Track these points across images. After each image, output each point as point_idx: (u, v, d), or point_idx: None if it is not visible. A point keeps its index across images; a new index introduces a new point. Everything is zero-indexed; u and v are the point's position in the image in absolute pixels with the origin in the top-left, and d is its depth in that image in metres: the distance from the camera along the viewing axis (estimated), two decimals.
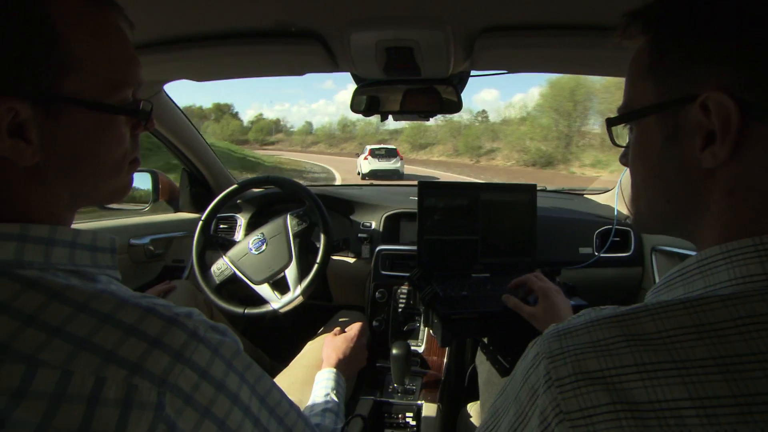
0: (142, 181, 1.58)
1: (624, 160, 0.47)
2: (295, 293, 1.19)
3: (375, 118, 1.26)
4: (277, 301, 1.20)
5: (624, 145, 0.47)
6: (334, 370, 0.93)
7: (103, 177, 0.45)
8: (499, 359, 1.09)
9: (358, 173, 17.50)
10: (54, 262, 0.40)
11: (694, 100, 0.35)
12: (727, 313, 0.31)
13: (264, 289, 1.22)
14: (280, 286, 1.22)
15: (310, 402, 0.82)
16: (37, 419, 0.32)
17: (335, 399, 0.82)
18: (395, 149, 18.51)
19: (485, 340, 0.97)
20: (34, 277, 0.37)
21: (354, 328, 1.10)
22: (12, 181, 0.39)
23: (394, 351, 0.98)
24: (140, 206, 1.55)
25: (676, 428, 0.28)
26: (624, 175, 1.46)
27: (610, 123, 0.46)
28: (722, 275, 0.35)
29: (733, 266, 0.34)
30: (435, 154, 40.23)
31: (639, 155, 0.43)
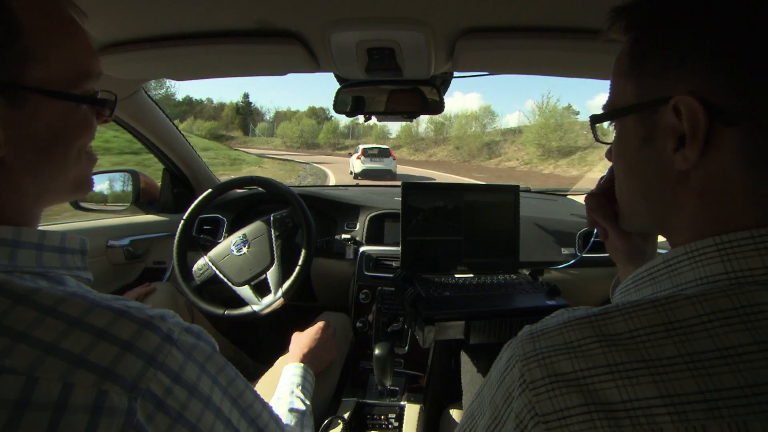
0: (122, 181, 1.55)
1: (609, 156, 0.47)
2: (276, 296, 1.18)
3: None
4: (257, 304, 1.18)
5: (609, 142, 0.47)
6: (301, 364, 0.92)
7: (68, 168, 0.44)
8: (481, 360, 1.09)
9: (351, 173, 17.47)
10: (20, 264, 0.39)
11: (667, 102, 0.36)
12: (693, 310, 0.31)
13: (245, 291, 1.20)
14: (262, 288, 1.21)
15: (275, 397, 0.82)
16: None
17: (300, 396, 0.82)
18: (388, 149, 18.49)
19: (468, 340, 0.97)
20: None
21: (318, 323, 1.10)
22: None
23: (377, 352, 0.98)
24: (120, 206, 1.52)
25: (647, 427, 0.29)
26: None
27: (594, 120, 0.47)
28: (688, 275, 0.35)
29: (697, 266, 0.35)
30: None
31: (619, 153, 0.44)
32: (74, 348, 0.34)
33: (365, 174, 16.37)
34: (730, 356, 0.29)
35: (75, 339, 0.35)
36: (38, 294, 0.36)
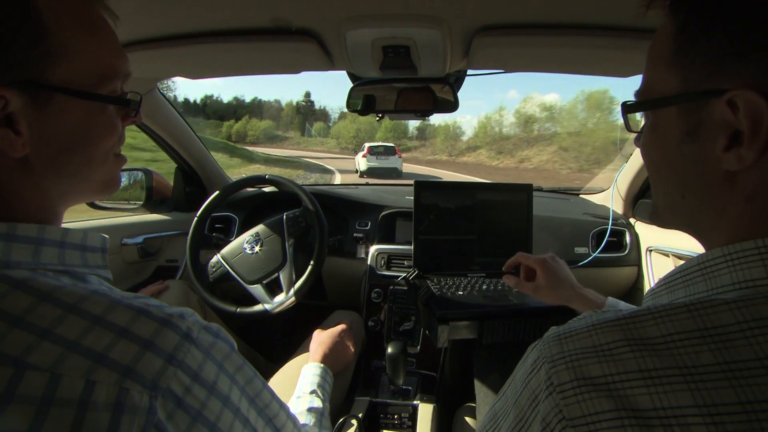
0: (135, 180, 1.56)
1: (638, 143, 0.44)
2: (288, 295, 1.18)
3: None
4: (269, 302, 1.19)
5: (638, 130, 0.44)
6: (321, 364, 0.93)
7: (93, 168, 0.44)
8: (495, 359, 1.09)
9: (356, 170, 17.49)
10: (43, 261, 0.39)
11: (721, 95, 0.33)
12: (732, 317, 0.30)
13: (257, 290, 1.21)
14: (273, 287, 1.21)
15: (294, 395, 0.82)
16: (25, 425, 0.32)
17: (320, 396, 0.82)
18: (394, 147, 18.50)
19: (481, 340, 0.96)
20: (22, 277, 0.36)
21: (342, 324, 1.10)
22: (1, 174, 0.39)
23: (390, 351, 0.97)
24: (133, 205, 1.53)
25: None
26: (619, 176, 1.46)
27: (627, 110, 0.43)
28: (725, 278, 0.34)
29: (736, 269, 0.33)
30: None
31: (655, 146, 0.41)
32: (96, 346, 0.34)
33: (370, 172, 16.40)
34: None
35: (97, 336, 0.35)
36: (61, 291, 0.36)
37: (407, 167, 20.64)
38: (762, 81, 0.31)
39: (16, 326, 0.34)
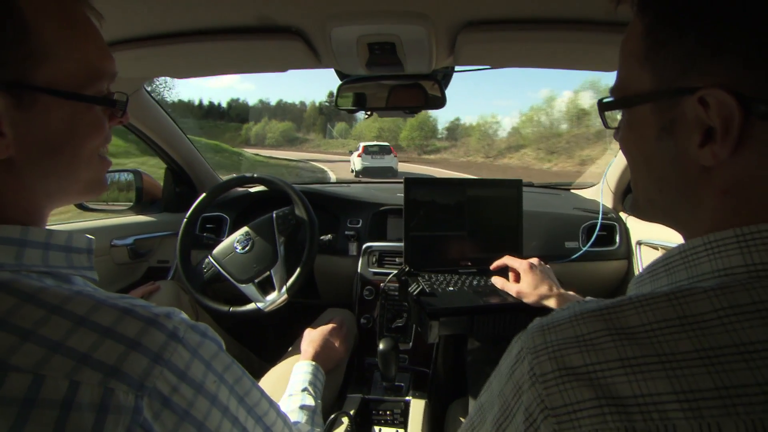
0: (125, 181, 1.55)
1: (617, 137, 0.45)
2: (281, 293, 1.18)
3: None
4: (262, 301, 1.19)
5: (615, 126, 0.45)
6: (312, 362, 0.93)
7: (79, 169, 0.44)
8: (486, 354, 1.09)
9: (351, 170, 17.45)
10: (26, 263, 0.39)
11: (692, 93, 0.33)
12: (709, 304, 0.31)
13: (249, 289, 1.20)
14: (266, 285, 1.21)
15: (286, 393, 0.82)
16: (6, 426, 0.31)
17: (312, 394, 0.83)
18: (389, 146, 18.43)
19: (472, 335, 0.97)
20: (5, 279, 0.36)
21: (333, 321, 1.10)
22: None
23: (382, 347, 0.98)
24: (123, 206, 1.53)
25: (660, 422, 0.28)
26: (609, 170, 1.47)
27: (604, 108, 0.44)
28: (705, 267, 0.34)
29: (715, 258, 0.34)
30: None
31: (633, 143, 0.42)
32: (80, 346, 0.34)
33: (366, 171, 16.37)
34: (747, 352, 0.28)
35: (81, 337, 0.35)
36: (45, 293, 0.36)
37: (435, 171, 19.87)
38: (732, 79, 0.32)
39: None
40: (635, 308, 0.32)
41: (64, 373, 0.33)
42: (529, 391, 0.33)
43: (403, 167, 19.62)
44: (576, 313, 0.34)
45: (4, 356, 0.33)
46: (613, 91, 0.42)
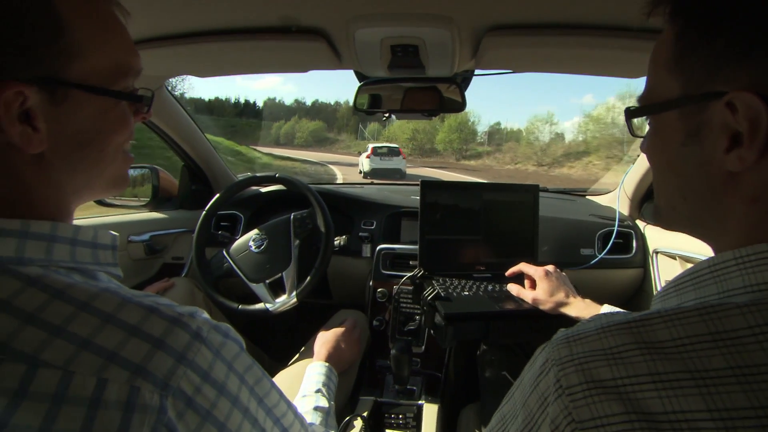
0: (142, 177, 1.57)
1: (644, 148, 0.45)
2: (291, 296, 1.18)
3: None
4: (271, 302, 1.19)
5: (642, 135, 0.45)
6: (326, 363, 0.93)
7: (105, 164, 0.45)
8: (500, 360, 1.08)
9: (360, 171, 17.49)
10: (55, 259, 0.40)
11: (719, 97, 0.33)
12: (744, 321, 0.30)
13: (260, 289, 1.21)
14: (276, 286, 1.21)
15: (299, 394, 0.82)
16: (37, 422, 0.32)
17: (325, 395, 0.83)
18: (398, 148, 18.44)
19: (487, 340, 0.96)
20: (35, 274, 0.37)
21: (346, 323, 1.10)
22: (18, 170, 0.39)
23: (395, 351, 0.97)
24: (140, 202, 1.54)
25: None
26: (626, 177, 1.46)
27: (631, 114, 0.44)
28: (736, 281, 0.34)
29: (747, 273, 0.33)
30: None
31: (658, 149, 0.41)
32: (108, 344, 0.35)
33: (374, 173, 16.39)
34: None
35: (109, 335, 0.35)
36: (74, 289, 0.37)
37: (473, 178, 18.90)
38: (760, 83, 0.32)
39: (30, 323, 0.34)
40: (665, 322, 0.32)
41: (93, 370, 0.33)
42: (555, 404, 0.33)
43: (440, 175, 18.07)
44: (603, 325, 0.34)
45: (35, 352, 0.33)
46: (641, 99, 0.42)
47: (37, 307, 0.35)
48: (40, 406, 0.32)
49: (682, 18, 0.37)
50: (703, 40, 0.35)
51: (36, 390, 0.32)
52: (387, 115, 1.25)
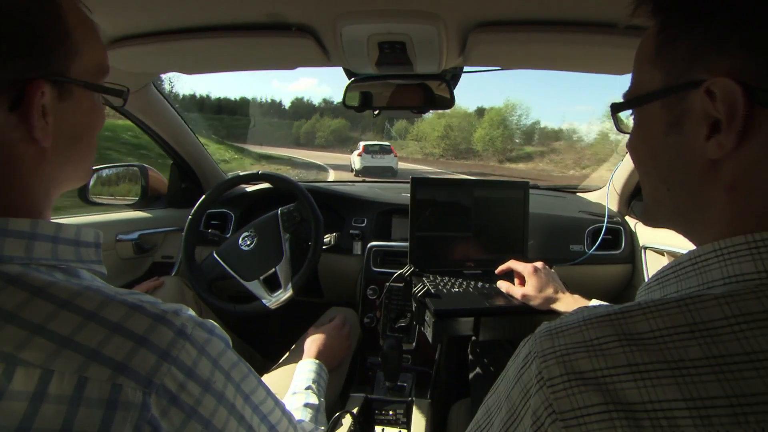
0: (130, 175, 1.55)
1: (629, 144, 0.45)
2: (287, 290, 1.18)
3: None
4: (267, 298, 1.19)
5: (629, 131, 0.45)
6: (316, 360, 0.93)
7: (89, 156, 0.48)
8: (490, 355, 1.09)
9: (352, 170, 17.47)
10: (36, 257, 0.39)
11: (699, 85, 0.34)
12: (720, 311, 0.30)
13: (255, 286, 1.20)
14: (271, 282, 1.21)
15: (290, 392, 0.82)
16: (16, 421, 0.31)
17: (316, 392, 0.83)
18: (389, 146, 18.46)
19: (477, 336, 0.97)
20: (15, 272, 0.36)
21: (336, 320, 1.11)
22: (20, 164, 0.40)
23: (385, 348, 0.97)
24: (128, 201, 1.53)
25: (668, 429, 0.28)
26: (615, 174, 1.47)
27: (615, 108, 0.45)
28: (715, 273, 0.34)
29: (726, 264, 0.34)
30: None
31: (641, 141, 0.42)
32: (89, 342, 0.34)
33: (366, 171, 16.40)
34: (758, 360, 0.28)
35: (90, 333, 0.35)
36: (54, 287, 0.36)
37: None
38: (737, 69, 0.32)
39: (9, 322, 0.34)
40: (644, 314, 0.32)
41: (73, 368, 0.33)
42: (536, 395, 0.33)
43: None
44: (585, 318, 0.34)
45: (14, 350, 0.33)
46: (626, 94, 0.43)
47: (16, 305, 0.34)
48: (18, 405, 0.32)
49: (663, 11, 0.37)
50: (683, 30, 0.35)
51: (14, 389, 0.32)
52: (377, 112, 1.24)
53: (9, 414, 0.32)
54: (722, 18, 0.33)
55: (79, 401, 0.33)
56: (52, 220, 0.44)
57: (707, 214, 0.37)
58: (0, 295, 0.35)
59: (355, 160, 17.37)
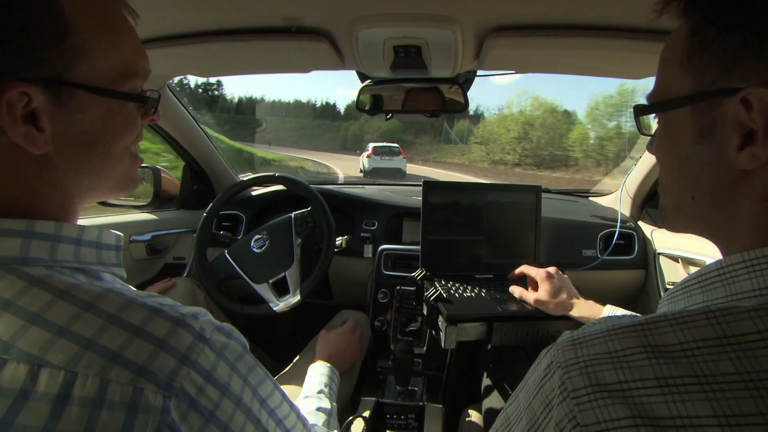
0: (144, 177, 1.57)
1: (651, 149, 0.44)
2: (295, 295, 1.18)
3: None
4: (275, 302, 1.19)
5: (651, 134, 0.44)
6: (327, 364, 0.93)
7: (111, 165, 0.45)
8: (501, 360, 1.08)
9: (360, 170, 17.50)
10: (60, 259, 0.40)
11: (734, 93, 0.33)
12: (752, 325, 0.30)
13: (263, 289, 1.21)
14: (280, 286, 1.21)
15: (301, 395, 0.82)
16: (40, 423, 0.32)
17: (328, 396, 0.83)
18: (398, 148, 18.45)
19: (489, 341, 0.96)
20: (39, 274, 0.37)
21: (348, 324, 1.10)
22: (23, 170, 0.39)
23: (397, 351, 0.97)
24: (142, 202, 1.54)
25: None
26: (628, 178, 1.45)
27: (639, 112, 0.44)
28: (744, 284, 0.33)
29: (757, 276, 0.33)
30: None
31: (667, 147, 0.41)
32: (111, 344, 0.35)
33: (375, 172, 16.42)
34: None
35: (112, 335, 0.35)
36: (78, 289, 0.37)
37: None
38: None
39: (34, 324, 0.34)
40: (671, 326, 0.31)
41: (96, 371, 0.33)
42: (559, 407, 0.32)
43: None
44: (609, 328, 0.34)
45: (39, 352, 0.33)
46: (651, 96, 0.41)
47: (41, 307, 0.35)
48: (44, 406, 0.32)
49: (698, 13, 0.36)
50: (719, 34, 0.34)
51: (39, 390, 0.32)
52: (389, 116, 1.24)
53: (34, 416, 0.32)
54: (762, 25, 0.32)
55: (102, 404, 0.33)
56: (77, 223, 0.44)
57: (735, 223, 0.36)
58: (25, 297, 0.35)
59: (364, 161, 17.39)
